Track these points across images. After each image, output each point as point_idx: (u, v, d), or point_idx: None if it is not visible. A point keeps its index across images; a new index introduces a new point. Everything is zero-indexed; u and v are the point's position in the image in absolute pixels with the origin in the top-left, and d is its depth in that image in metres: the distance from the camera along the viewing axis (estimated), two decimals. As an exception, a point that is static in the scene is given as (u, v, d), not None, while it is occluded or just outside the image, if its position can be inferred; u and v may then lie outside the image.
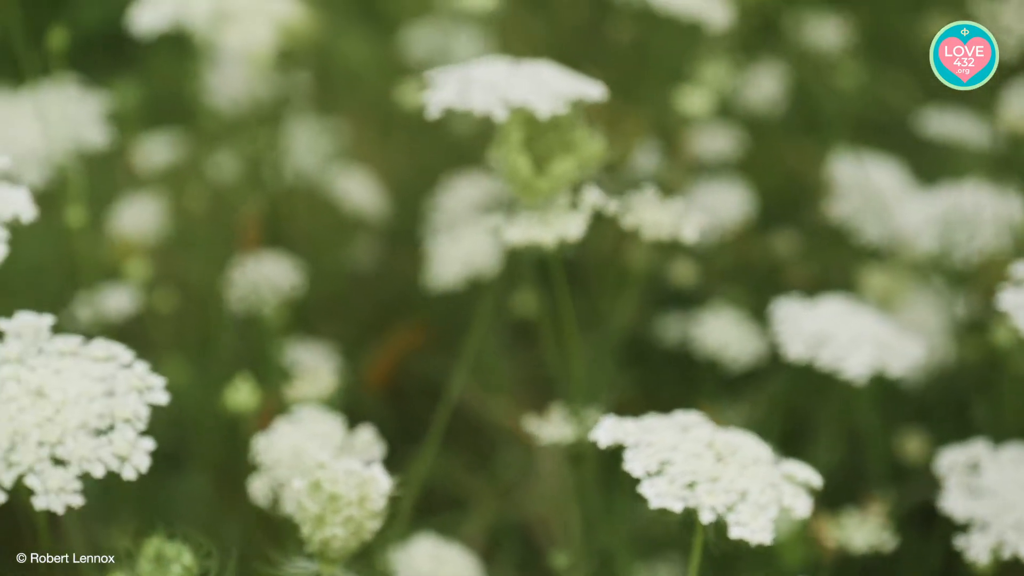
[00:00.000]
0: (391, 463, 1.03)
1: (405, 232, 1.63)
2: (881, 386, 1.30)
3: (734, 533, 0.86)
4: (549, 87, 1.05)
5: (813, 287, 1.53)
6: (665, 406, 1.22)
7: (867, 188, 1.40)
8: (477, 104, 1.04)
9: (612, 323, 1.49)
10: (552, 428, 1.16)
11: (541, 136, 1.07)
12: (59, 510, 0.86)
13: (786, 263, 1.54)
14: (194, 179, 1.54)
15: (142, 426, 0.89)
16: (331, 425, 1.09)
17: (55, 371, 0.89)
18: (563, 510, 1.44)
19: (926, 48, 1.03)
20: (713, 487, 0.87)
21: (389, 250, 1.65)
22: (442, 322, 1.60)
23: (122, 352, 0.92)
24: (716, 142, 1.55)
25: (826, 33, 1.66)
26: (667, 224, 1.09)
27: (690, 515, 0.88)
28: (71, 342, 0.91)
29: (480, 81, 1.06)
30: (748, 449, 0.90)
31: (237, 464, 1.27)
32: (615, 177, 1.49)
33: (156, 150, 1.55)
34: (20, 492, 0.85)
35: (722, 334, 1.39)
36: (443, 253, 1.43)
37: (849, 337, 1.16)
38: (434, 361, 1.55)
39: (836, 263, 1.50)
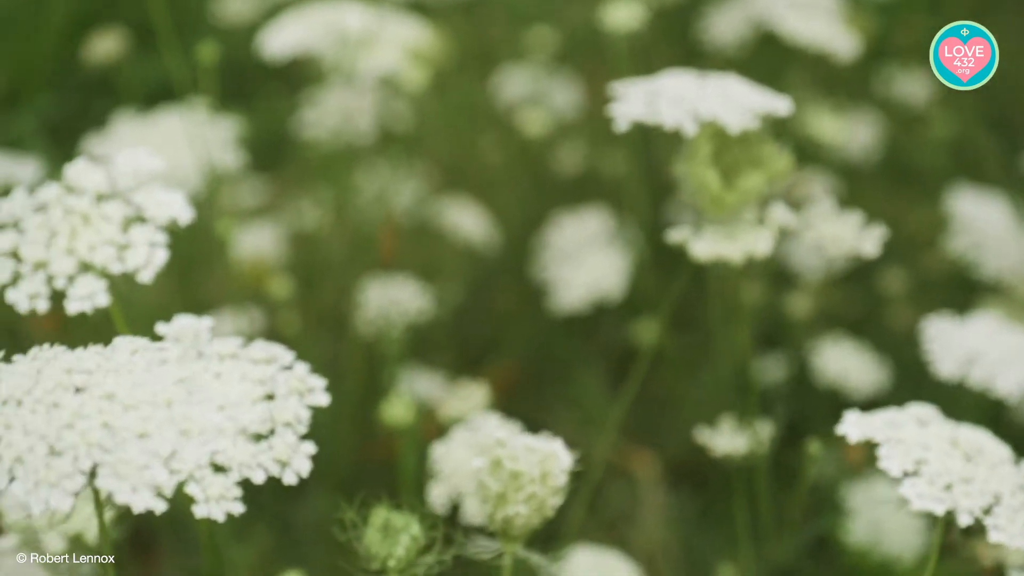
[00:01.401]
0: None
1: (504, 269, 1.60)
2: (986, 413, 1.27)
3: (993, 537, 0.82)
4: (738, 101, 1.02)
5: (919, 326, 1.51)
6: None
7: (985, 223, 1.38)
8: (666, 118, 1.01)
9: (726, 355, 1.47)
10: (725, 440, 1.13)
11: (728, 150, 1.04)
12: (220, 518, 0.80)
13: (892, 302, 1.51)
14: (307, 208, 1.51)
15: (303, 429, 0.84)
16: (508, 432, 1.05)
17: (215, 374, 0.85)
18: (668, 544, 1.40)
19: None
20: (968, 489, 0.83)
21: (486, 286, 1.62)
22: (534, 360, 1.57)
23: (282, 353, 0.87)
24: (814, 187, 1.54)
25: (914, 87, 1.66)
26: (847, 239, 1.06)
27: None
28: (231, 344, 0.87)
29: (668, 94, 1.03)
30: (992, 449, 0.86)
31: (362, 483, 1.26)
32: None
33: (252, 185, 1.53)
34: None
35: (842, 363, 1.36)
36: (567, 279, 1.42)
37: (1000, 355, 1.13)
38: (529, 398, 1.52)
39: (942, 303, 1.48)
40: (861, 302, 1.54)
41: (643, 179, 1.51)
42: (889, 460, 0.85)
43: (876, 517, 1.26)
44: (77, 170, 0.93)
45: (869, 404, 1.36)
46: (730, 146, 1.04)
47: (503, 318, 1.58)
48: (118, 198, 0.92)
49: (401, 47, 1.37)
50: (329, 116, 1.53)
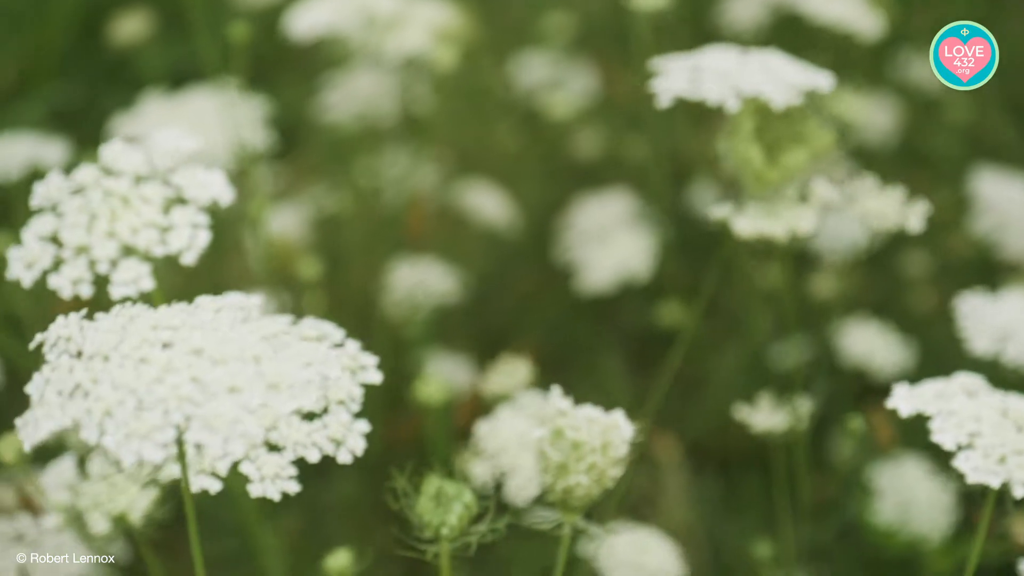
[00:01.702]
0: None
1: (523, 253, 1.59)
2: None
3: None
4: (781, 77, 1.01)
5: (941, 308, 1.50)
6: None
7: (1008, 204, 1.37)
8: (709, 94, 0.99)
9: (749, 338, 1.46)
10: (763, 416, 1.12)
11: (770, 126, 1.03)
12: (275, 497, 0.80)
13: (913, 285, 1.50)
14: (328, 191, 1.50)
15: (356, 407, 0.82)
16: (554, 404, 1.03)
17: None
18: (691, 526, 1.39)
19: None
20: (1022, 461, 0.82)
21: (506, 270, 1.60)
22: (554, 343, 1.56)
23: (333, 331, 0.85)
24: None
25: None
26: (891, 214, 1.05)
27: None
28: (280, 322, 0.84)
29: (711, 70, 1.01)
30: (1043, 419, 0.84)
31: (389, 464, 1.24)
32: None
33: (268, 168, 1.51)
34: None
35: (868, 343, 1.35)
36: (595, 260, 1.40)
37: (1035, 332, 1.11)
38: (549, 381, 1.51)
39: (963, 284, 1.47)
40: (883, 285, 1.53)
41: (666, 161, 1.50)
42: (943, 433, 0.83)
43: (904, 497, 1.25)
44: (114, 151, 0.91)
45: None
46: (772, 122, 1.02)
47: (523, 301, 1.57)
48: (157, 179, 0.90)
49: (428, 28, 1.35)
50: (349, 100, 1.51)
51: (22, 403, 0.72)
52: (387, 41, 1.34)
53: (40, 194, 0.89)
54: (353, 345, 0.84)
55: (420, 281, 1.34)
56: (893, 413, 1.32)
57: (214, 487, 0.80)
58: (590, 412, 0.84)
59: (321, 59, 1.59)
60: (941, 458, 1.29)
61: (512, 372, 1.11)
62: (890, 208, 1.05)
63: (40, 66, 1.76)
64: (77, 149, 1.33)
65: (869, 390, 1.38)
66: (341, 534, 1.30)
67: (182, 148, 0.90)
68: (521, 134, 1.65)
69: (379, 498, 1.33)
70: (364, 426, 0.82)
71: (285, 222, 1.44)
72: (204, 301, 0.75)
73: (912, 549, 1.24)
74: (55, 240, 0.88)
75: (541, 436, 0.84)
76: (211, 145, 1.31)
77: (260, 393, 0.68)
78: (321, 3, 1.36)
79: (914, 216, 1.05)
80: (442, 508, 0.82)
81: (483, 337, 1.51)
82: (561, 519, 0.85)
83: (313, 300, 1.35)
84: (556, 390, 0.86)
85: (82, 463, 0.95)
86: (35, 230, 0.88)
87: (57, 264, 0.87)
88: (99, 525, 0.91)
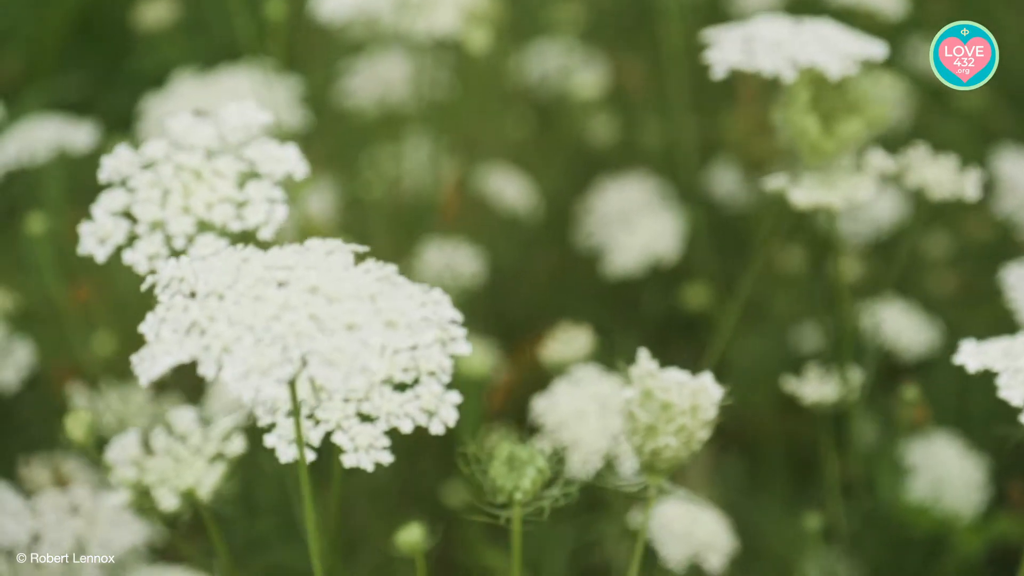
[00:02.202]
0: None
1: (541, 239, 1.57)
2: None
3: None
4: (836, 46, 1.00)
5: (963, 291, 1.49)
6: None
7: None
8: (764, 64, 0.98)
9: (773, 321, 1.45)
10: (812, 388, 1.10)
11: (824, 97, 1.01)
12: (368, 467, 0.79)
13: (934, 267, 1.49)
14: (352, 175, 1.48)
15: (447, 379, 0.81)
16: (611, 385, 1.02)
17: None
18: (715, 507, 1.38)
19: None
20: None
21: (525, 255, 1.58)
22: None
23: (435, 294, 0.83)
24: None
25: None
26: (947, 182, 1.04)
27: None
28: (389, 268, 0.81)
29: (765, 40, 1.00)
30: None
31: (421, 444, 1.23)
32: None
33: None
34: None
35: (895, 323, 1.34)
36: (622, 243, 1.39)
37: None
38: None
39: (984, 266, 1.46)
40: (903, 267, 1.52)
41: (687, 145, 1.49)
42: (1010, 390, 0.82)
43: (937, 474, 1.24)
44: (182, 125, 0.89)
45: (920, 365, 1.35)
46: (827, 92, 1.01)
47: (543, 286, 1.55)
48: (229, 153, 0.88)
49: (458, 9, 1.33)
50: (370, 85, 1.49)
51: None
52: (419, 22, 1.31)
53: (109, 168, 0.87)
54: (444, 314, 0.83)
55: (449, 263, 1.32)
56: (923, 391, 1.32)
57: (307, 457, 0.79)
58: (678, 375, 0.83)
59: (340, 44, 1.56)
60: (973, 435, 1.29)
61: (570, 340, 1.10)
62: (946, 176, 1.03)
63: (42, 60, 1.74)
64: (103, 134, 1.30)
65: (895, 370, 1.37)
66: (371, 517, 1.28)
67: (255, 122, 0.89)
68: (535, 121, 1.63)
69: (408, 483, 1.32)
70: (456, 397, 0.81)
71: (313, 203, 1.41)
72: (314, 243, 0.74)
73: (944, 527, 1.23)
74: (128, 215, 0.86)
75: (630, 397, 0.83)
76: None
77: (378, 330, 0.67)
78: None
79: (970, 184, 1.04)
80: (515, 473, 0.81)
81: (504, 322, 1.49)
82: (646, 481, 0.84)
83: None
84: (644, 352, 0.84)
85: (145, 439, 0.93)
86: (106, 205, 0.87)
87: (131, 239, 0.86)
88: (167, 500, 0.89)
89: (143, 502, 0.90)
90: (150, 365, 0.67)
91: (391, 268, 0.72)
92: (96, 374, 1.24)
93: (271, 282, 0.69)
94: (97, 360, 1.26)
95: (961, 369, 1.27)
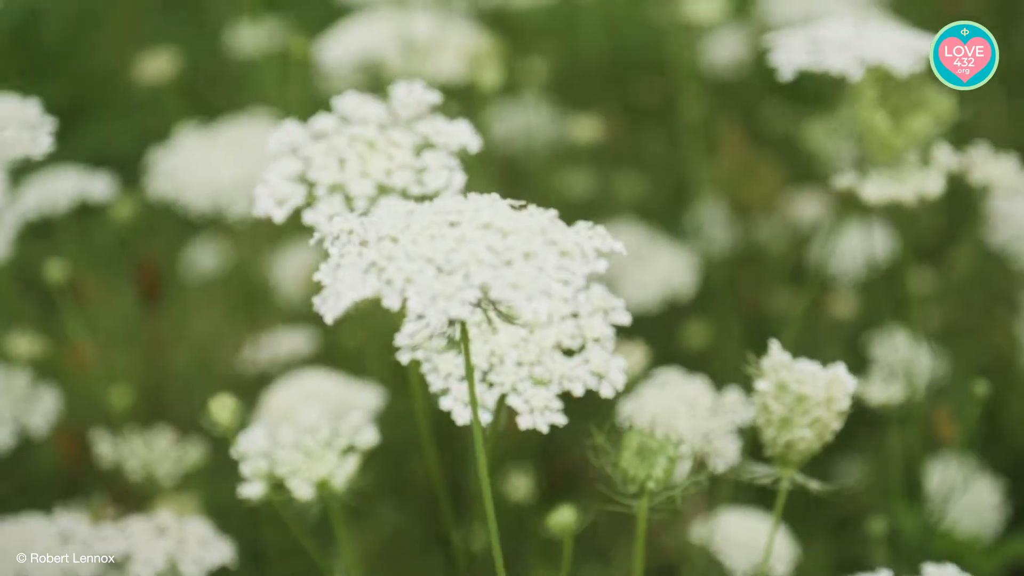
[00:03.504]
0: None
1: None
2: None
3: None
4: (902, 44, 1.01)
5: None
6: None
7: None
8: (832, 64, 0.98)
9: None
10: (877, 390, 1.10)
11: (890, 94, 1.02)
12: (544, 429, 0.79)
13: (923, 302, 1.50)
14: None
15: (611, 347, 0.82)
16: (697, 387, 1.01)
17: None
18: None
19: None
20: None
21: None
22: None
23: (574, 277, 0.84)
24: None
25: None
26: (1011, 179, 1.05)
27: None
28: (550, 212, 0.82)
29: (831, 40, 1.00)
30: None
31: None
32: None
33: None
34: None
35: (898, 355, 1.34)
36: (636, 279, 1.37)
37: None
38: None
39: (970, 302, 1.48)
40: (892, 303, 1.52)
41: (669, 189, 1.49)
42: None
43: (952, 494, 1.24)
44: (351, 102, 0.90)
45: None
46: (891, 91, 1.02)
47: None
48: (400, 127, 0.89)
49: (460, 54, 1.33)
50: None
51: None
52: (425, 67, 1.31)
53: (278, 140, 0.89)
54: (599, 288, 0.85)
55: None
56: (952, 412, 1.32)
57: (483, 419, 0.80)
58: (811, 366, 0.83)
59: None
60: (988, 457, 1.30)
61: (627, 355, 1.08)
62: (1009, 172, 1.05)
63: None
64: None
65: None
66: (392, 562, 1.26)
67: (424, 100, 0.90)
68: (501, 177, 1.62)
69: (427, 529, 1.28)
70: (622, 362, 0.82)
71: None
72: (474, 196, 0.74)
73: (960, 549, 1.23)
74: (303, 180, 0.87)
75: (764, 389, 0.83)
76: (253, 171, 1.28)
77: (554, 258, 0.68)
78: (356, 29, 1.32)
79: (1030, 181, 1.05)
80: (647, 462, 0.81)
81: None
82: (779, 473, 0.84)
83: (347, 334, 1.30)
84: (776, 344, 0.84)
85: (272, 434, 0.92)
86: (279, 170, 0.88)
87: (311, 201, 0.87)
88: (303, 490, 0.88)
89: (276, 493, 0.88)
90: (335, 302, 0.68)
91: (552, 212, 0.72)
92: (119, 423, 1.23)
93: (443, 224, 0.70)
94: (117, 412, 1.23)
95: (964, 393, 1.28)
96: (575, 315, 0.83)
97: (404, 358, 0.82)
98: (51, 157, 1.41)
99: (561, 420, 0.79)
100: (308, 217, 0.86)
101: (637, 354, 1.09)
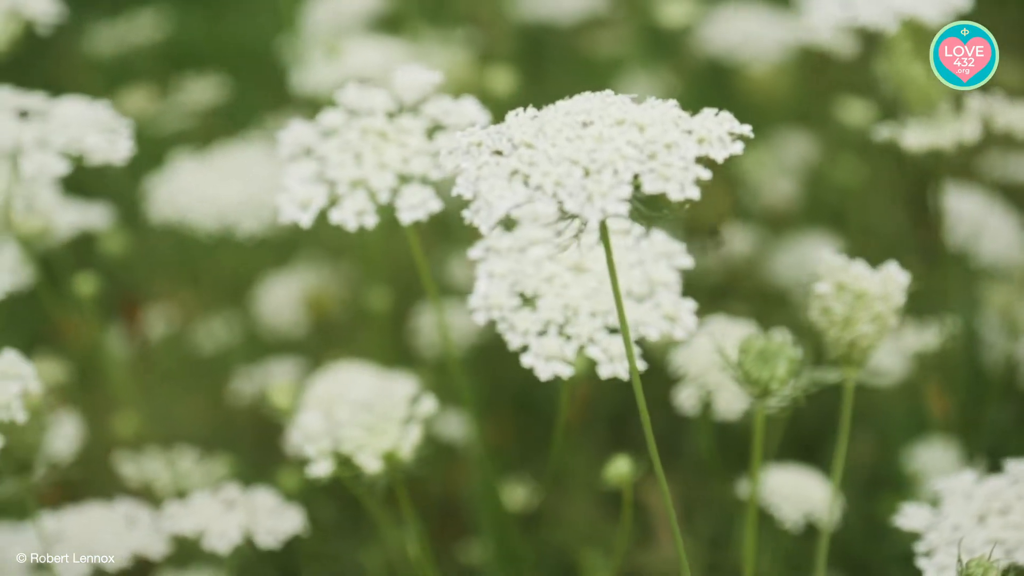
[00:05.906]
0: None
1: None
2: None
3: None
4: (927, -4, 0.98)
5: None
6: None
7: (980, 216, 1.33)
8: (866, 17, 0.97)
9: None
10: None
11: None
12: (624, 375, 0.78)
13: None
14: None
15: (677, 290, 0.82)
16: (745, 329, 0.98)
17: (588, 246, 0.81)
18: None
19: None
20: None
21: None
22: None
23: (634, 226, 0.84)
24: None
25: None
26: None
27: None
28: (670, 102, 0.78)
29: (862, -5, 0.98)
30: None
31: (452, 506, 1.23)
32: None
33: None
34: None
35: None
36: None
37: None
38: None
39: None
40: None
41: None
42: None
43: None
44: (353, 94, 0.87)
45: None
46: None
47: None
48: (407, 112, 0.86)
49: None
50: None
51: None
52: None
53: (287, 142, 0.86)
54: (660, 235, 0.84)
55: (449, 323, 1.27)
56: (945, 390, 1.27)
57: (565, 372, 0.79)
58: (863, 266, 0.83)
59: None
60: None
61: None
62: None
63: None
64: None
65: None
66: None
67: (426, 81, 0.87)
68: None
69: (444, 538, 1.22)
70: (691, 304, 0.82)
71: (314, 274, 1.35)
72: (590, 94, 0.71)
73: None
74: (323, 180, 0.84)
75: (825, 292, 0.82)
76: (253, 195, 1.24)
77: (694, 147, 0.66)
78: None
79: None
80: (769, 365, 0.81)
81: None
82: (844, 374, 0.84)
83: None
84: (828, 248, 0.81)
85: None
86: (295, 174, 0.85)
87: (334, 201, 0.84)
88: (371, 463, 0.85)
89: (344, 470, 0.86)
90: (487, 213, 0.65)
91: (672, 101, 0.69)
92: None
93: (575, 125, 0.67)
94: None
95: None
96: (640, 262, 0.82)
97: (480, 318, 0.80)
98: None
99: (641, 366, 0.77)
100: (335, 216, 0.83)
101: None
